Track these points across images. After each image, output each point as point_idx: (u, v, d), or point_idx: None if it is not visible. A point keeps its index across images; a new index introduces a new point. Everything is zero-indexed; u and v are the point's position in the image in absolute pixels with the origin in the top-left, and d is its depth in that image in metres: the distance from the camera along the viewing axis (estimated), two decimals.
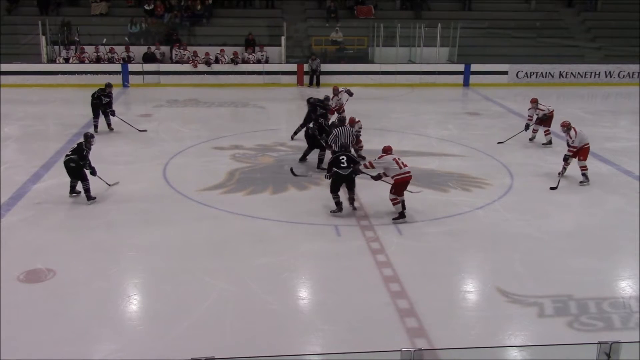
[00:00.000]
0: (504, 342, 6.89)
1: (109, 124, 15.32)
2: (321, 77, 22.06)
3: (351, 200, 10.25)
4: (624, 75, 23.33)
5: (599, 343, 4.77)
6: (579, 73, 23.08)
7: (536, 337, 6.93)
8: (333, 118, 12.94)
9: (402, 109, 18.48)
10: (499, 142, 14.57)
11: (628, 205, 11.00)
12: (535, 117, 14.55)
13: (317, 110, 13.63)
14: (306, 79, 22.19)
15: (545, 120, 14.57)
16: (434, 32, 23.45)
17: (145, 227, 9.61)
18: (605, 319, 7.29)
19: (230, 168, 12.44)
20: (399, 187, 9.83)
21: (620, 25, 25.42)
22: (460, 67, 22.94)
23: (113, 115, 15.30)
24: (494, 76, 22.89)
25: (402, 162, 9.95)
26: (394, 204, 9.89)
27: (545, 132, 14.66)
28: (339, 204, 10.07)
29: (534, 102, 14.60)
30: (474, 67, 22.86)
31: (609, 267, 8.78)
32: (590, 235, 9.70)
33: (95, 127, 15.13)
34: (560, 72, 23.11)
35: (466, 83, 22.78)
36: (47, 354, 6.32)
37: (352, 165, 9.97)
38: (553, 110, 14.66)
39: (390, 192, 9.87)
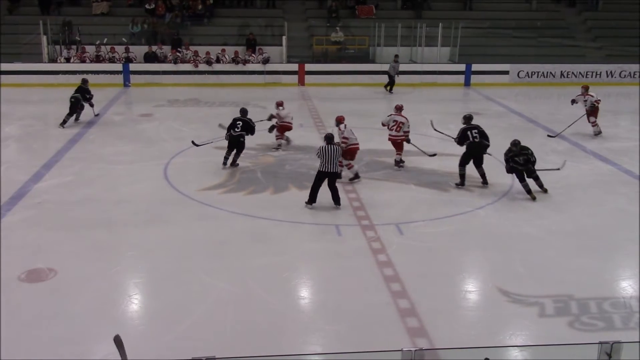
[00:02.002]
0: (504, 342, 6.89)
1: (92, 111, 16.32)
2: (319, 76, 21.99)
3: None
4: (625, 75, 23.32)
5: (600, 343, 4.76)
6: (580, 73, 23.05)
7: (537, 337, 6.92)
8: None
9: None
10: (549, 136, 15.20)
11: (629, 204, 10.98)
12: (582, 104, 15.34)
13: None
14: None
15: (592, 110, 15.10)
16: (435, 32, 23.45)
17: (146, 227, 9.61)
18: (606, 319, 7.28)
19: (231, 167, 12.43)
20: (352, 153, 11.68)
21: (621, 25, 25.41)
22: (462, 67, 22.93)
23: (92, 106, 16.17)
24: (495, 76, 22.88)
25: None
26: (349, 168, 11.64)
27: (592, 123, 15.16)
28: None
29: (585, 87, 15.42)
30: (475, 67, 22.85)
31: (610, 267, 8.77)
32: (590, 235, 9.69)
33: (65, 122, 15.56)
34: (561, 71, 23.09)
35: (467, 83, 22.77)
36: (47, 354, 6.32)
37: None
38: (600, 100, 15.17)
39: (345, 158, 11.46)
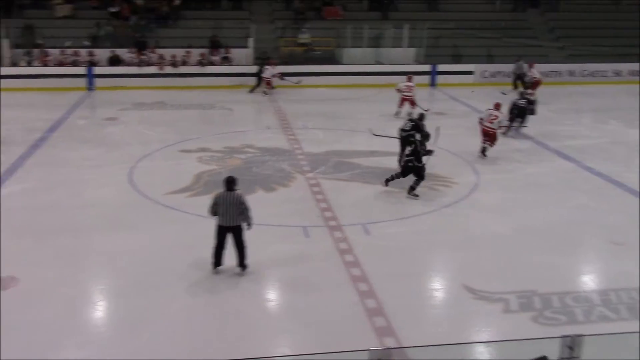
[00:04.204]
0: (470, 338, 6.99)
1: None
2: (292, 77, 21.95)
3: None
4: (586, 74, 23.78)
5: (563, 337, 4.85)
6: (542, 72, 23.42)
7: (502, 332, 7.04)
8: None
9: (370, 109, 18.53)
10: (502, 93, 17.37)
11: (590, 201, 11.23)
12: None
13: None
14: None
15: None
16: (401, 33, 23.61)
17: (112, 232, 9.50)
18: (568, 313, 7.44)
19: (197, 171, 12.36)
20: None
21: (582, 25, 25.91)
22: (427, 68, 23.13)
23: None
24: (461, 76, 23.14)
25: None
26: None
27: (530, 94, 16.80)
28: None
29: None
30: (441, 68, 23.07)
31: (572, 263, 8.97)
32: (553, 232, 9.87)
33: None
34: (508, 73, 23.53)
35: (433, 83, 22.98)
36: None
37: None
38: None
39: None
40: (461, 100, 20.23)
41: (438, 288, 8.35)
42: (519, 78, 21.63)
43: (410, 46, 23.98)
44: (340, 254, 8.83)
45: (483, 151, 13.55)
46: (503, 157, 13.71)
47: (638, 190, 11.61)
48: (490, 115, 13.65)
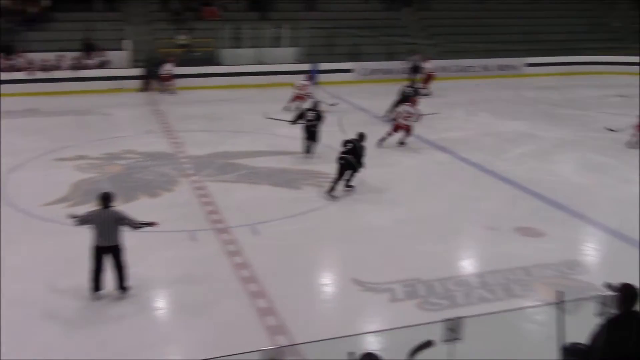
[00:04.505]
0: (360, 329, 7.16)
1: None
2: (172, 80, 21.47)
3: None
4: (457, 70, 25.00)
5: (445, 320, 5.09)
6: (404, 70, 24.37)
7: (390, 321, 7.27)
8: None
9: (253, 110, 18.49)
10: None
11: (466, 190, 11.83)
12: None
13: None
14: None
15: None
16: (281, 33, 23.74)
17: None
18: (450, 297, 7.81)
19: (74, 179, 11.82)
20: None
21: (453, 23, 27.18)
22: (308, 67, 23.39)
23: None
24: (341, 74, 23.60)
25: None
26: None
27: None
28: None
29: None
30: (321, 66, 23.42)
31: (452, 249, 9.43)
32: (433, 221, 10.32)
33: None
34: (402, 68, 24.29)
35: (314, 82, 23.26)
36: None
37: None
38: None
39: None
40: (343, 98, 20.63)
41: (327, 283, 8.51)
42: (415, 71, 22.69)
43: (290, 46, 24.16)
44: (229, 256, 8.77)
45: (401, 142, 14.53)
46: (384, 151, 14.14)
47: (508, 177, 12.38)
48: (406, 111, 14.51)
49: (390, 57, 24.61)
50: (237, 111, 18.59)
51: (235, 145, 14.43)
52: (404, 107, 14.88)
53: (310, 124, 13.47)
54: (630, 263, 8.64)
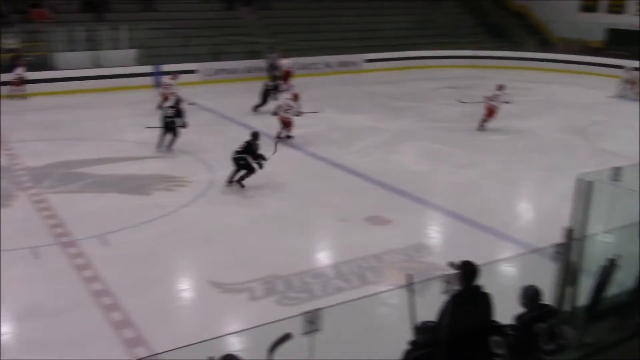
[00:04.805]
0: (221, 331, 7.11)
1: None
2: (23, 86, 19.91)
3: None
4: (301, 67, 25.46)
5: (304, 313, 5.18)
6: (262, 68, 24.56)
7: (250, 320, 7.28)
8: None
9: (94, 115, 17.66)
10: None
11: (317, 184, 12.14)
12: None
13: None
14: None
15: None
16: (119, 35, 22.83)
17: None
18: (308, 290, 7.99)
19: None
20: None
21: (293, 22, 27.69)
22: (150, 69, 22.74)
23: None
24: (185, 75, 23.12)
25: None
26: None
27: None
28: None
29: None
30: (164, 68, 22.85)
31: (307, 243, 9.65)
32: (288, 217, 10.49)
33: None
34: (245, 67, 24.36)
35: (158, 84, 22.66)
36: None
37: None
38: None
39: None
40: (190, 99, 20.27)
41: (184, 288, 8.36)
42: (272, 69, 23.13)
43: (130, 47, 23.32)
44: (78, 271, 8.33)
45: (286, 136, 14.91)
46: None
47: (356, 169, 12.87)
48: (286, 105, 15.05)
49: (234, 56, 24.61)
50: (76, 118, 17.62)
51: (77, 153, 13.69)
52: (285, 100, 15.37)
53: (169, 120, 13.74)
54: (469, 241, 9.37)
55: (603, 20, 29.71)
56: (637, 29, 27.66)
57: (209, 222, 10.22)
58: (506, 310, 5.32)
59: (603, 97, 21.63)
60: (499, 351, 4.94)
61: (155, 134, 13.94)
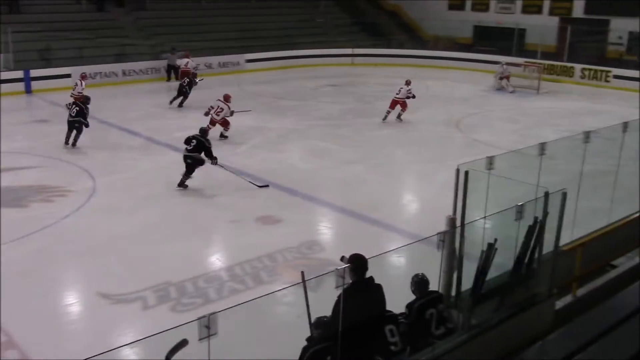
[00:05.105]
0: (114, 344, 6.87)
1: None
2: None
3: None
4: None
5: (199, 318, 5.13)
6: (141, 70, 23.86)
7: (144, 330, 7.09)
8: None
9: None
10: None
11: (205, 186, 11.97)
12: None
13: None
14: None
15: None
16: None
17: None
18: (202, 295, 7.90)
19: None
20: None
21: (171, 23, 27.09)
22: (19, 74, 21.45)
23: None
24: (59, 80, 22.04)
25: None
26: None
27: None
28: None
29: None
30: (35, 73, 21.64)
31: (200, 247, 9.51)
32: (176, 222, 10.30)
33: None
34: (123, 70, 23.54)
35: (28, 90, 21.44)
36: None
37: None
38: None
39: None
40: (62, 104, 19.36)
41: (72, 302, 7.98)
42: (172, 69, 23.64)
43: None
44: None
45: (221, 135, 15.20)
46: (117, 157, 13.68)
47: (244, 170, 12.83)
48: (217, 107, 15.06)
49: (111, 59, 23.82)
50: None
51: None
52: (216, 102, 15.24)
53: (72, 119, 14.27)
54: (359, 235, 9.64)
55: (470, 18, 31.47)
56: (501, 25, 29.61)
57: (93, 232, 9.83)
58: (399, 299, 5.55)
59: (478, 91, 22.91)
60: (393, 339, 5.14)
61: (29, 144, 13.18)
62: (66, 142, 14.39)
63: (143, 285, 7.96)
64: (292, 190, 11.77)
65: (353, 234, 9.82)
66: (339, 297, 4.89)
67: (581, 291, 6.72)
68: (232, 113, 15.24)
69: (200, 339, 5.02)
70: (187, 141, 11.72)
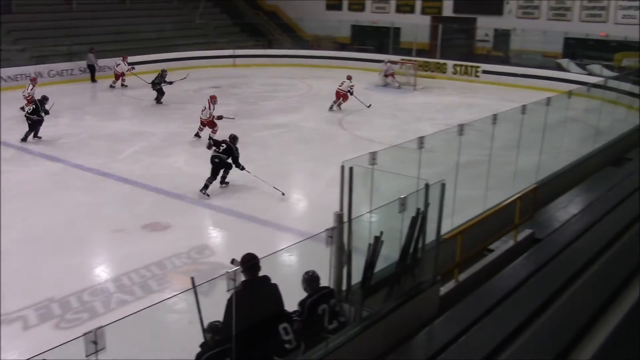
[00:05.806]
0: None
1: None
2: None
3: None
4: (54, 74, 23.77)
5: (85, 334, 4.92)
6: (9, 77, 22.49)
7: (27, 351, 6.69)
8: None
9: None
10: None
11: (86, 196, 11.51)
12: None
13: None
14: None
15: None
16: None
17: None
18: (88, 309, 7.58)
19: None
20: None
21: (40, 27, 25.68)
22: None
23: None
24: None
25: None
26: None
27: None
28: None
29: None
30: None
31: (83, 259, 9.11)
32: (58, 234, 9.82)
33: None
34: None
35: None
36: None
37: None
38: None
39: None
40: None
41: None
42: (92, 69, 23.73)
43: None
44: None
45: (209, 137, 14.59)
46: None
47: (127, 177, 12.44)
48: (203, 106, 15.21)
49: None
50: None
51: None
52: (206, 105, 15.23)
53: (28, 117, 15.05)
54: (250, 236, 9.63)
55: (347, 18, 32.22)
56: (377, 24, 30.58)
57: None
58: (293, 297, 5.60)
59: (360, 89, 23.45)
60: (287, 337, 5.18)
61: None
62: (24, 139, 15.02)
63: (23, 304, 7.54)
64: (178, 195, 11.54)
65: (244, 236, 9.78)
66: (229, 300, 4.86)
67: (462, 276, 7.08)
68: (220, 117, 15.10)
69: (87, 355, 4.83)
70: (217, 144, 11.88)
